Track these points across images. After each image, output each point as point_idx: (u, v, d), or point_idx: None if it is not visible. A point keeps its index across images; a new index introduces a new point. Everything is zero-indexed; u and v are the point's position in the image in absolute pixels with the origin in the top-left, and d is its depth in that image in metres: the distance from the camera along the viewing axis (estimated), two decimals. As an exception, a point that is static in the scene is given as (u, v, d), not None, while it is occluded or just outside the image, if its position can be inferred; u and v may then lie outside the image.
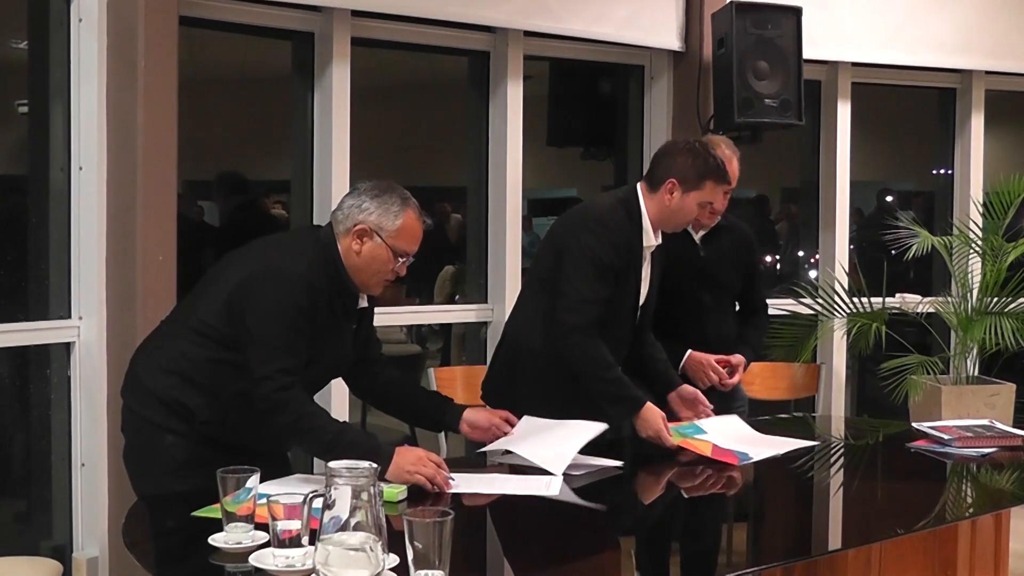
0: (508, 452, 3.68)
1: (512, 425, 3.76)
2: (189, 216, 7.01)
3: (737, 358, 4.59)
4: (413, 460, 3.25)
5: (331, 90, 5.28)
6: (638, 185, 4.16)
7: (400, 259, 3.37)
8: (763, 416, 4.76)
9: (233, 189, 6.29)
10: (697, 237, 4.62)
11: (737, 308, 4.87)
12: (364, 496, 2.28)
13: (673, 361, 4.52)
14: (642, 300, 4.22)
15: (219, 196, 6.50)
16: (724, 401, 4.60)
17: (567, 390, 4.08)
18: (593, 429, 3.70)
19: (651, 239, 4.12)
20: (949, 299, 6.51)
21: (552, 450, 3.61)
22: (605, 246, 4.03)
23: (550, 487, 3.37)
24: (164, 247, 4.59)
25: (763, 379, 5.25)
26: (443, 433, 4.15)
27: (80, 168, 4.63)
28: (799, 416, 5.06)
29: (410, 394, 3.83)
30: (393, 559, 2.45)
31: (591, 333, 3.98)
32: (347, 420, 3.94)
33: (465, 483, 3.35)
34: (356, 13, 5.29)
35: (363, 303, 3.52)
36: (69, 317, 4.66)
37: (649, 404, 3.99)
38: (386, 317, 5.46)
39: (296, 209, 5.56)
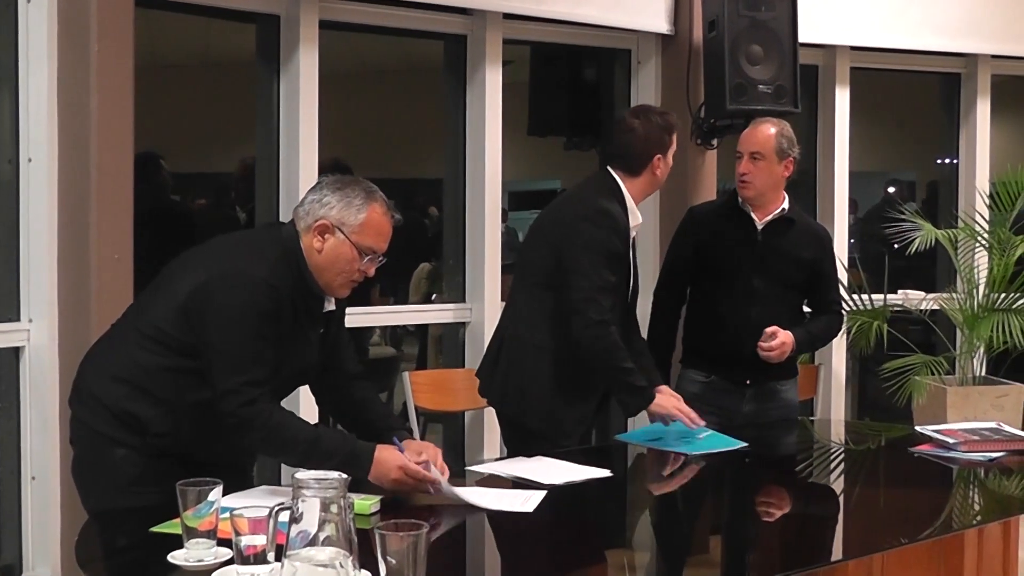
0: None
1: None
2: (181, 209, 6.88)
3: (773, 329, 4.62)
4: (397, 465, 3.24)
5: (298, 76, 5.25)
6: (610, 171, 4.40)
7: (366, 257, 3.33)
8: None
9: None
10: (759, 224, 4.75)
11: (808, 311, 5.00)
12: (333, 509, 2.27)
13: (707, 342, 4.81)
14: (631, 282, 4.41)
15: (241, 187, 6.26)
16: (761, 402, 4.77)
17: (578, 383, 4.31)
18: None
19: (637, 219, 4.39)
20: (954, 295, 6.53)
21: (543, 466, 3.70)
22: (611, 236, 4.25)
23: (527, 503, 3.33)
24: (120, 244, 4.55)
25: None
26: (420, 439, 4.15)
27: (29, 160, 4.59)
28: (797, 419, 5.06)
29: (365, 416, 3.64)
30: (365, 575, 2.44)
31: (610, 322, 4.20)
32: (318, 423, 3.88)
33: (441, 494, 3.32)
34: (324, -6, 5.28)
35: (329, 306, 3.47)
36: (18, 320, 4.62)
37: (659, 392, 4.28)
38: (359, 318, 5.45)
39: (261, 203, 5.53)
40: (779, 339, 4.58)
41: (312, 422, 3.41)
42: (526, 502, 3.34)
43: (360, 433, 3.56)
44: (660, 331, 4.84)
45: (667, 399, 4.27)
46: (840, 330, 5.09)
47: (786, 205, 4.77)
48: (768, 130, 4.74)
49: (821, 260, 4.86)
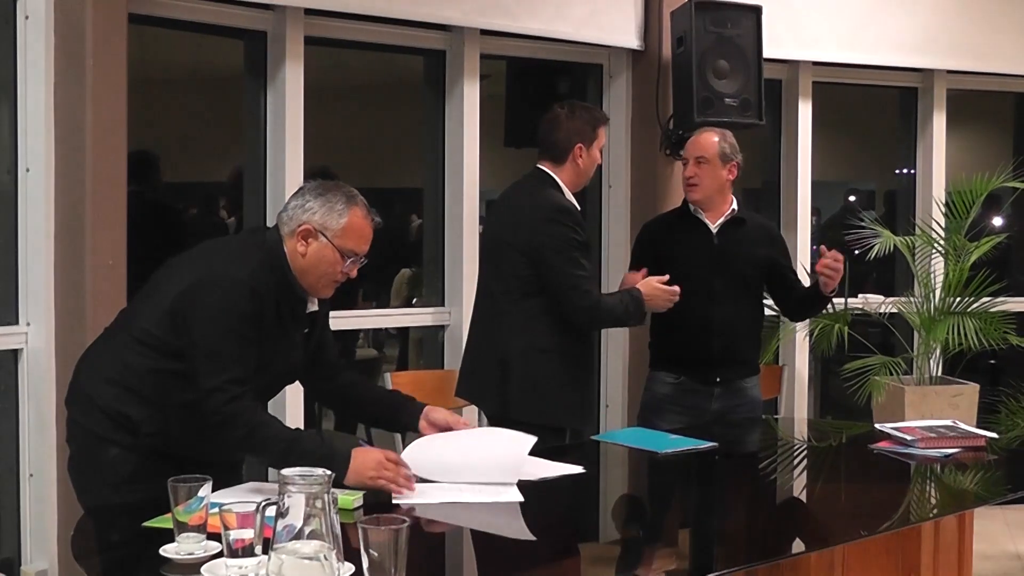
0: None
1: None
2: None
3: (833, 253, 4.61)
4: (373, 464, 3.20)
5: (284, 90, 5.25)
6: (540, 167, 4.44)
7: (349, 259, 3.33)
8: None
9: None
10: (713, 227, 4.78)
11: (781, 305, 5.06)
12: (318, 504, 2.26)
13: (675, 345, 4.84)
14: None
15: (233, 194, 6.22)
16: (729, 399, 4.81)
17: (586, 371, 4.48)
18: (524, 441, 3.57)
19: (578, 207, 4.46)
20: (912, 299, 6.56)
21: (497, 464, 3.55)
22: (576, 229, 4.30)
23: (510, 493, 3.33)
24: (114, 251, 4.55)
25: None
26: (401, 439, 4.15)
27: (27, 170, 4.58)
28: (762, 418, 5.08)
29: (368, 395, 3.76)
30: (348, 568, 2.44)
31: (600, 296, 4.43)
32: (300, 427, 3.88)
33: (422, 494, 3.29)
34: (309, 11, 5.27)
35: (312, 307, 3.47)
36: (16, 323, 4.61)
37: (640, 287, 4.46)
38: (342, 321, 5.44)
39: (249, 213, 5.53)
40: (834, 255, 4.57)
41: (294, 427, 3.42)
42: (508, 493, 3.33)
43: (356, 411, 3.62)
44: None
45: (655, 298, 4.46)
46: None
47: (735, 206, 4.80)
48: (711, 137, 4.78)
49: (776, 254, 4.91)
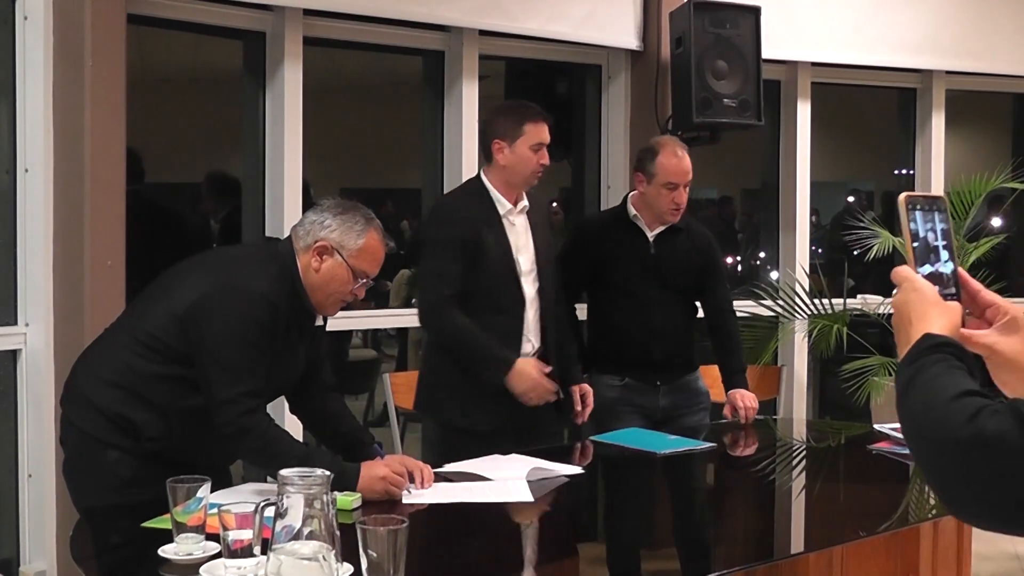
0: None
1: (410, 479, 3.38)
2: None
3: (731, 403, 4.64)
4: (382, 474, 3.23)
5: (283, 90, 5.25)
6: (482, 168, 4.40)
7: (359, 280, 3.34)
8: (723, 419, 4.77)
9: (223, 191, 6.01)
10: (651, 235, 4.71)
11: (701, 311, 4.94)
12: (317, 504, 2.26)
13: (616, 351, 4.76)
14: (525, 266, 4.29)
15: (209, 200, 6.27)
16: (676, 395, 4.75)
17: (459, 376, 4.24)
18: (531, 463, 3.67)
19: (505, 204, 4.27)
20: (911, 300, 6.55)
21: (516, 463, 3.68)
22: (443, 226, 4.24)
23: (520, 492, 3.36)
24: (113, 251, 4.55)
25: (724, 382, 5.26)
26: (400, 441, 4.16)
27: (26, 170, 4.58)
28: (760, 419, 5.08)
29: (333, 429, 3.64)
30: (347, 568, 2.44)
31: (446, 305, 4.16)
32: (304, 439, 3.85)
33: (433, 494, 3.32)
34: (308, 12, 5.27)
35: (319, 321, 3.49)
36: (15, 324, 4.61)
37: (521, 360, 4.18)
38: (341, 322, 5.44)
39: (248, 213, 5.52)
40: (747, 403, 4.60)
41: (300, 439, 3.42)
42: (519, 491, 3.36)
43: (329, 444, 3.59)
44: (566, 343, 4.69)
45: (525, 374, 4.15)
46: (738, 326, 5.02)
47: None
48: (687, 157, 4.64)
49: (711, 262, 4.85)
